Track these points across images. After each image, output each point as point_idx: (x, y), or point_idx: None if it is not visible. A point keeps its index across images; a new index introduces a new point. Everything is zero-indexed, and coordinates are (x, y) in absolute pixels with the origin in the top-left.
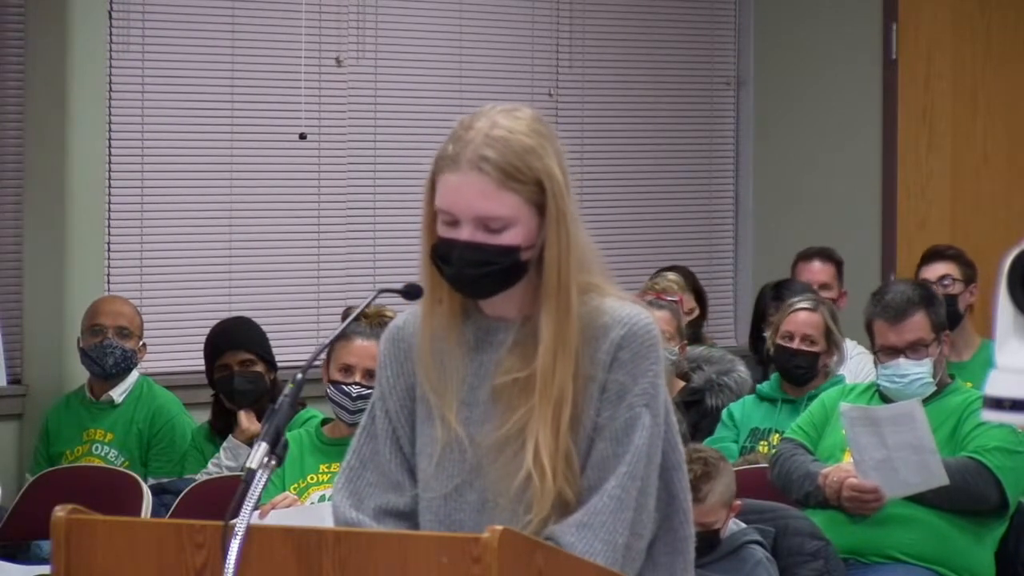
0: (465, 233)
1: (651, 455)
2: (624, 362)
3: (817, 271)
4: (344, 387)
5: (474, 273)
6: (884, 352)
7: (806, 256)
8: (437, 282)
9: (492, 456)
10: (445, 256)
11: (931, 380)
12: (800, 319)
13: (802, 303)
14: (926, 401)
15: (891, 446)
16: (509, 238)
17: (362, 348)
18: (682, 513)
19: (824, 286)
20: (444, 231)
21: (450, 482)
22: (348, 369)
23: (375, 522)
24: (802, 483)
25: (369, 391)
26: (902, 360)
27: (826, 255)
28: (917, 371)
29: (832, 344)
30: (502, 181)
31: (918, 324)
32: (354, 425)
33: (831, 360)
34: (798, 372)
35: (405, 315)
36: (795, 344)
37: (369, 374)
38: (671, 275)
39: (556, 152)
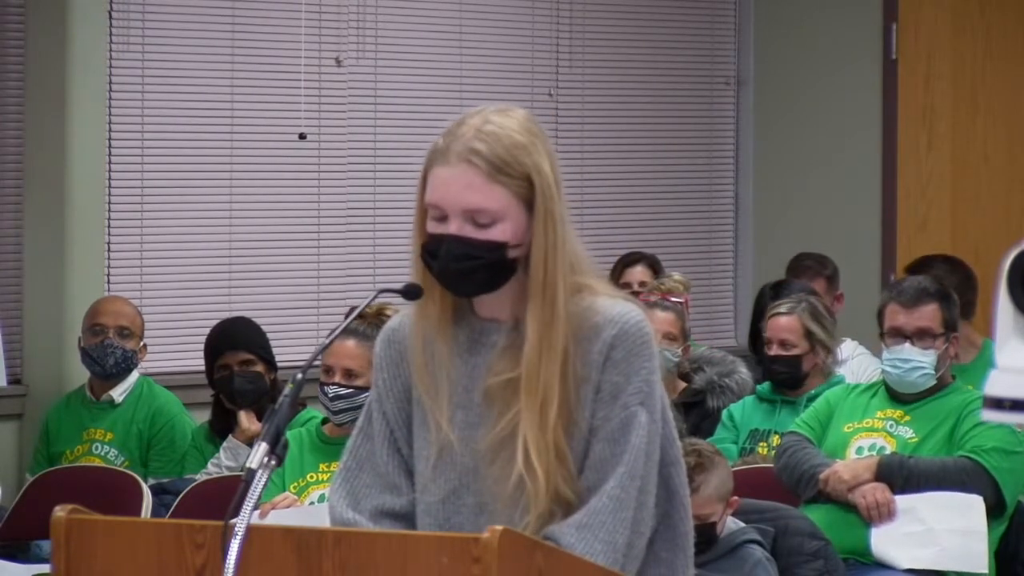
0: (453, 227)
1: (650, 453)
2: (617, 361)
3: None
4: (324, 387)
5: (460, 267)
6: (891, 335)
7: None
8: (430, 282)
9: (488, 460)
10: (433, 252)
11: (932, 372)
12: (775, 324)
13: (779, 307)
14: (925, 401)
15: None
16: (497, 233)
17: (339, 348)
18: (682, 509)
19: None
20: (433, 227)
21: (447, 485)
22: (328, 370)
23: (372, 522)
24: (814, 473)
25: (347, 392)
26: (907, 346)
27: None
28: (920, 360)
29: (815, 344)
30: (491, 174)
31: (930, 313)
32: (342, 425)
33: (818, 360)
34: (780, 376)
35: (400, 316)
36: (773, 350)
37: (347, 374)
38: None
39: (548, 152)
